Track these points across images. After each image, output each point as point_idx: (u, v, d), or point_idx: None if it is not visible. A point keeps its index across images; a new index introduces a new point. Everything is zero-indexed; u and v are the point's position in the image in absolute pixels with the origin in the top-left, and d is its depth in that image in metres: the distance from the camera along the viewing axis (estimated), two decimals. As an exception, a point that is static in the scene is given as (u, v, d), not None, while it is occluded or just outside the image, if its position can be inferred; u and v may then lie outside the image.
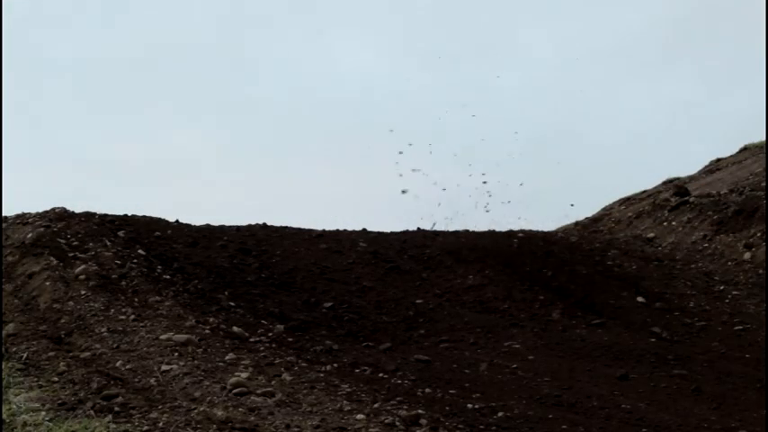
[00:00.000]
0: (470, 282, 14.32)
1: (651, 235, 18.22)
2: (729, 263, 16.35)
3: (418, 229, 17.03)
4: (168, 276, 13.15)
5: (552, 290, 14.36)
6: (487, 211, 17.48)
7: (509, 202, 17.50)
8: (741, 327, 13.31)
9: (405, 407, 9.03)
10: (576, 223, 21.11)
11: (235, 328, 11.63)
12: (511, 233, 16.93)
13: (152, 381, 9.49)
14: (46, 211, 14.82)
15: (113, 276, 12.70)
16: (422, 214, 18.24)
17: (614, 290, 14.58)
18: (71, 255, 13.17)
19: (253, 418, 8.50)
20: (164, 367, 9.77)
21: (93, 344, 10.69)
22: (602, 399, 10.02)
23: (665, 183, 23.80)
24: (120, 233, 14.37)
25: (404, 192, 17.21)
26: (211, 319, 11.79)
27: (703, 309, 14.14)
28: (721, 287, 15.27)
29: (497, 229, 17.24)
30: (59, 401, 8.86)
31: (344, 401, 8.97)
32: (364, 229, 16.77)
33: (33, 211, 15.00)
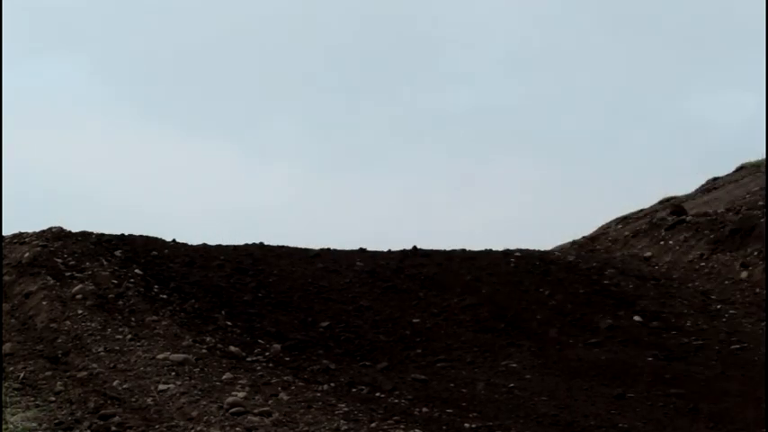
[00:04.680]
0: (467, 301, 14.32)
1: (648, 254, 18.21)
2: (726, 282, 16.35)
3: (414, 248, 17.02)
4: (165, 296, 13.15)
5: (549, 309, 14.36)
6: None
7: None
8: (738, 346, 13.30)
9: (402, 426, 9.02)
10: (573, 242, 21.10)
11: (232, 348, 11.63)
12: (507, 252, 16.94)
13: (149, 400, 9.49)
14: (43, 231, 14.83)
15: (110, 296, 12.70)
16: None
17: (611, 309, 14.57)
18: (68, 274, 13.17)
19: (250, 438, 8.52)
20: (161, 387, 9.77)
21: (90, 363, 10.69)
22: (599, 418, 10.01)
23: (661, 202, 23.81)
24: (117, 252, 14.37)
25: None
26: (208, 339, 11.79)
27: (700, 328, 14.13)
28: (718, 306, 15.26)
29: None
30: (56, 421, 8.86)
31: (342, 421, 8.96)
32: (361, 249, 16.77)
33: (30, 230, 15.02)
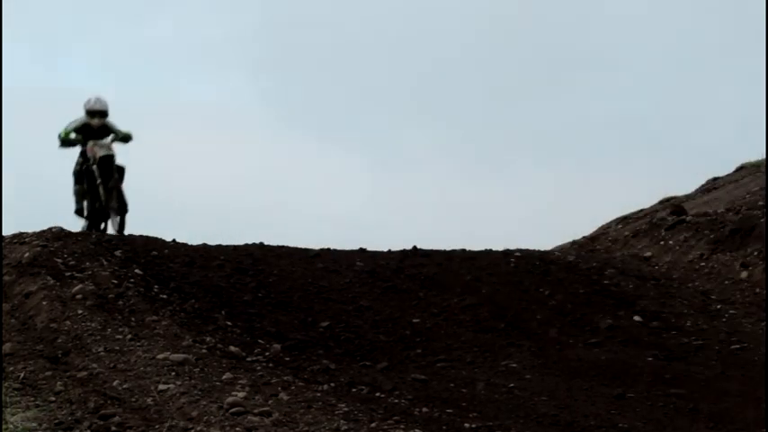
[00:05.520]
0: (467, 301, 14.32)
1: (648, 254, 18.21)
2: (726, 282, 16.35)
3: (414, 247, 17.02)
4: (165, 296, 13.15)
5: (549, 309, 14.37)
6: None
7: None
8: (738, 346, 13.31)
9: (402, 426, 9.03)
10: (573, 242, 21.09)
11: (232, 348, 11.63)
12: (507, 252, 16.94)
13: (149, 400, 9.49)
14: (43, 231, 14.83)
15: (110, 296, 12.70)
16: None
17: (611, 309, 14.57)
18: (68, 274, 13.17)
19: (250, 438, 8.52)
20: (161, 387, 9.77)
21: (90, 363, 10.69)
22: (599, 418, 10.01)
23: (661, 202, 23.80)
24: (117, 252, 14.37)
25: None
26: (208, 339, 11.79)
27: (700, 328, 14.13)
28: (718, 306, 15.27)
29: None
30: (56, 421, 8.86)
31: (341, 421, 8.96)
32: (361, 249, 16.77)
33: (30, 230, 15.02)
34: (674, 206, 21.32)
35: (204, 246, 15.97)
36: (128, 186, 17.28)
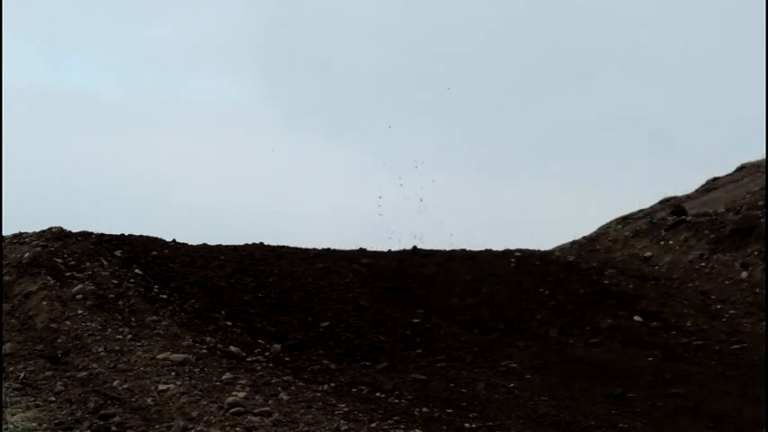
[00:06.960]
0: (467, 301, 14.32)
1: (648, 254, 18.22)
2: (726, 282, 16.35)
3: (414, 248, 17.03)
4: (165, 296, 13.14)
5: (550, 309, 14.37)
6: None
7: None
8: (738, 346, 13.31)
9: (402, 426, 9.02)
10: (573, 242, 21.10)
11: (232, 348, 11.63)
12: (508, 252, 16.94)
13: (149, 400, 9.48)
14: (43, 231, 14.81)
15: (110, 296, 12.70)
16: None
17: (611, 309, 14.57)
18: (68, 274, 13.16)
19: (250, 438, 8.51)
20: (161, 387, 9.76)
21: (90, 363, 10.68)
22: (599, 418, 10.01)
23: (661, 202, 23.80)
24: (117, 252, 14.37)
25: None
26: (208, 339, 11.78)
27: (700, 328, 14.14)
28: (718, 306, 15.27)
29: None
30: (56, 421, 8.86)
31: (342, 421, 8.96)
32: (361, 249, 16.77)
33: (30, 230, 15.01)
34: (674, 206, 21.32)
35: (204, 246, 15.96)
36: (129, 187, 17.00)
